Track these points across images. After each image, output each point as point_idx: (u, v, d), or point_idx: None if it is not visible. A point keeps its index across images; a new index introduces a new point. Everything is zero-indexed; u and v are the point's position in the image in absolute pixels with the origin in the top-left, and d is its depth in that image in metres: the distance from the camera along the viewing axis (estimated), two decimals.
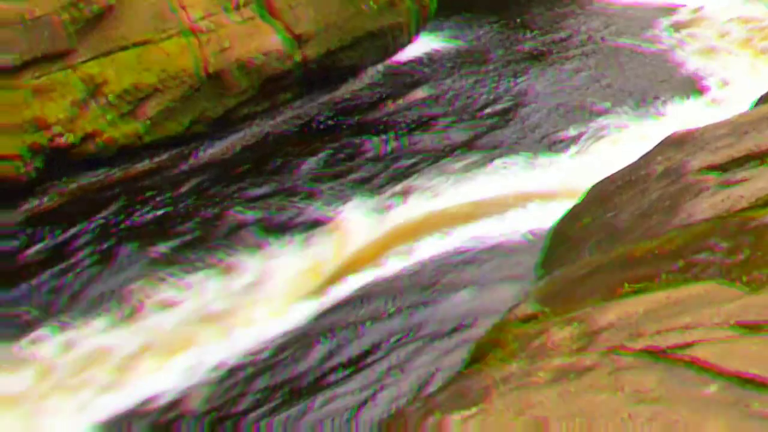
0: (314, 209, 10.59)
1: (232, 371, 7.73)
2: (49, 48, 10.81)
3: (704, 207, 5.47)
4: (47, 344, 8.51)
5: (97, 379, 8.01)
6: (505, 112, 13.33)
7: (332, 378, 7.27)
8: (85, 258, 9.72)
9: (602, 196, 7.02)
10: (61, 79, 10.94)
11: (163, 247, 9.88)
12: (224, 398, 7.41)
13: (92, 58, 11.26)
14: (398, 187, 10.92)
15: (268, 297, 9.05)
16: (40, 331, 8.64)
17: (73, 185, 11.18)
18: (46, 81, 10.81)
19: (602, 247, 5.92)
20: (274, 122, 13.16)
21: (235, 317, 8.73)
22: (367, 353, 7.45)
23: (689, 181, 6.03)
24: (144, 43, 11.71)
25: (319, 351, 7.66)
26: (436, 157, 11.80)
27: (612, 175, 7.34)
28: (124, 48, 11.52)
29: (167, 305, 9.04)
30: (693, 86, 14.27)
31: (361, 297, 8.33)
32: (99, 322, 8.78)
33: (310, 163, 11.82)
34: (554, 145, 12.12)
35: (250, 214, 10.53)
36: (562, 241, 6.95)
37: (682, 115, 12.69)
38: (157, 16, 11.84)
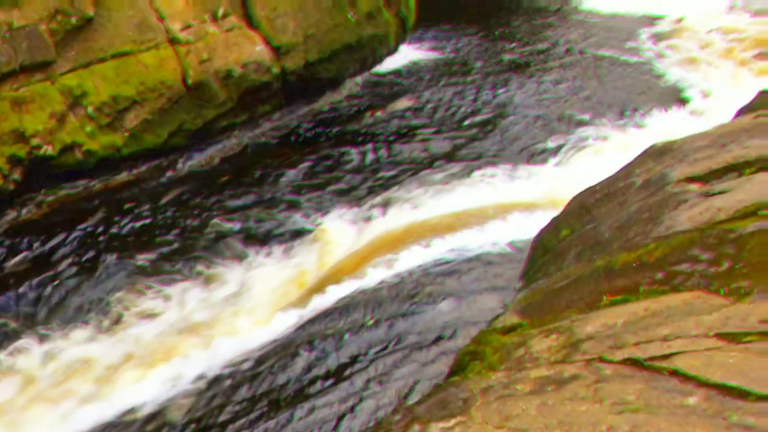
0: (295, 220, 10.61)
1: (214, 382, 7.70)
2: (28, 60, 10.79)
3: (683, 219, 5.48)
4: (28, 355, 8.48)
5: (78, 390, 7.98)
6: (485, 123, 13.37)
7: (313, 389, 7.25)
8: (67, 269, 9.71)
9: (582, 207, 7.02)
10: (40, 90, 10.92)
11: (144, 258, 9.87)
12: (205, 409, 7.38)
13: (71, 70, 11.27)
14: (378, 199, 10.96)
15: (250, 307, 9.04)
16: (21, 342, 8.62)
17: (53, 197, 11.17)
18: (25, 93, 10.78)
19: (583, 258, 5.91)
20: (253, 134, 13.17)
21: (216, 327, 8.72)
22: (348, 364, 7.43)
23: (669, 192, 6.04)
24: (123, 55, 11.70)
25: (301, 361, 7.64)
26: (415, 168, 11.84)
27: (592, 186, 7.34)
28: (102, 60, 11.51)
29: (148, 316, 9.03)
30: (674, 97, 14.32)
31: (343, 307, 8.31)
32: (80, 333, 8.77)
33: (290, 175, 11.83)
34: (534, 156, 12.17)
35: (231, 225, 10.54)
36: (544, 251, 6.95)
37: (662, 126, 12.75)
38: (136, 28, 11.82)
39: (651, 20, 19.69)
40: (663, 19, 19.81)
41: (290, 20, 13.43)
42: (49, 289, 9.40)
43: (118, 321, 8.96)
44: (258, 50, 12.91)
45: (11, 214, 10.79)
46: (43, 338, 8.71)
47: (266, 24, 13.23)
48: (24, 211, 10.88)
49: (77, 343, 8.68)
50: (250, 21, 13.17)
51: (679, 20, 19.53)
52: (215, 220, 10.64)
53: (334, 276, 9.10)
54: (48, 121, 10.90)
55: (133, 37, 11.84)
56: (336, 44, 14.23)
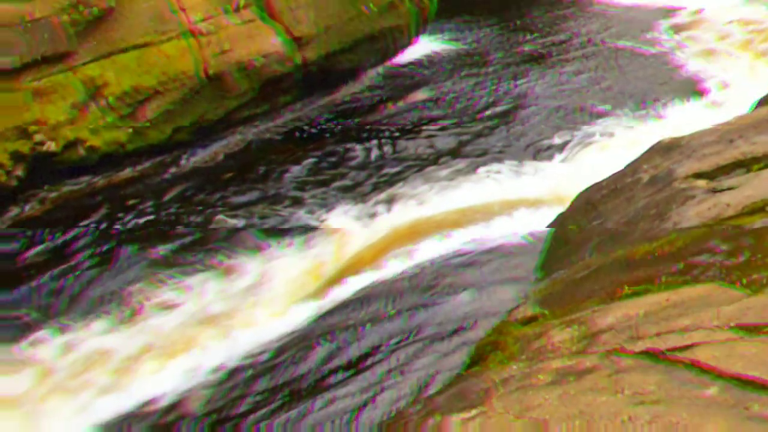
0: (315, 212, 10.60)
1: (233, 373, 7.72)
2: (48, 50, 10.82)
3: (691, 215, 5.47)
4: (47, 346, 8.51)
5: (96, 381, 8.00)
6: (505, 114, 13.34)
7: (332, 380, 7.25)
8: (84, 260, 9.73)
9: (590, 203, 7.01)
10: (61, 81, 10.94)
11: (163, 249, 9.90)
12: (224, 400, 7.40)
13: (92, 60, 11.28)
14: (399, 190, 10.93)
15: (268, 299, 9.04)
16: (40, 333, 8.65)
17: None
18: (46, 83, 10.80)
19: (603, 249, 5.91)
20: (273, 124, 13.17)
21: (235, 319, 8.73)
22: (367, 355, 7.44)
23: (676, 189, 6.03)
24: (144, 45, 11.72)
25: (319, 353, 7.65)
26: (437, 159, 11.82)
27: (600, 182, 7.34)
28: (123, 50, 11.53)
29: (167, 307, 9.05)
30: (692, 88, 14.27)
31: (361, 299, 8.31)
32: (98, 324, 8.79)
33: (310, 165, 11.84)
34: (556, 148, 12.13)
35: (250, 217, 10.54)
36: (562, 243, 6.95)
37: (681, 118, 12.70)
38: (156, 18, 11.83)
39: (669, 12, 19.60)
40: (681, 10, 19.72)
41: (310, 11, 13.43)
42: (66, 281, 9.43)
43: (136, 312, 8.98)
44: (278, 41, 12.91)
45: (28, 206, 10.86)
46: (61, 330, 8.73)
47: (287, 14, 13.22)
48: (27, 206, 10.92)
49: (95, 335, 8.70)
50: (270, 11, 13.16)
51: (698, 12, 19.44)
52: (233, 212, 10.66)
53: (353, 267, 9.11)
54: (69, 111, 10.94)
55: (154, 27, 11.86)
56: (356, 34, 14.22)
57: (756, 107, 8.35)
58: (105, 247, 10.01)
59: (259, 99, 13.01)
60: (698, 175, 6.09)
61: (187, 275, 9.49)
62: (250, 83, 12.68)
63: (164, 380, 7.84)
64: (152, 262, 9.76)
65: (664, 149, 7.03)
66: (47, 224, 10.50)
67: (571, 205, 7.39)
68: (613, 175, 7.30)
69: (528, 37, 17.42)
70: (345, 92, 14.39)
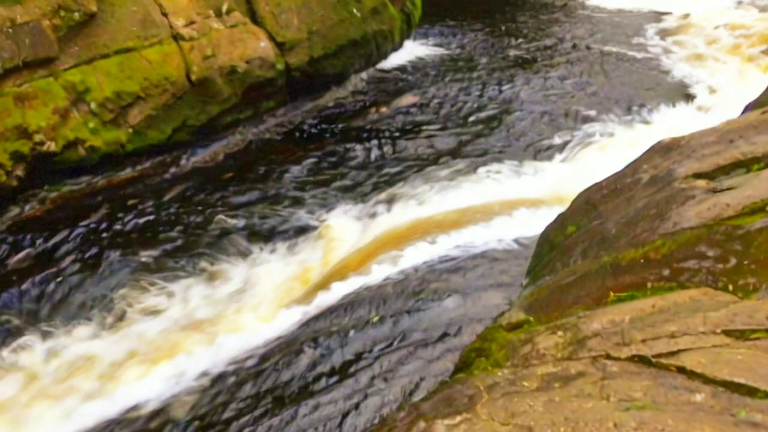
0: (299, 217, 10.61)
1: (218, 379, 7.70)
2: (31, 55, 10.80)
3: (691, 215, 5.46)
4: (31, 352, 8.48)
5: (81, 387, 7.98)
6: (490, 119, 13.35)
7: (318, 386, 7.24)
8: (71, 265, 9.70)
9: (589, 203, 7.00)
10: (42, 86, 10.93)
11: (147, 255, 9.87)
12: (209, 406, 7.37)
13: (74, 66, 11.29)
14: (383, 195, 10.96)
15: (254, 304, 9.03)
16: (24, 339, 8.62)
17: (55, 193, 11.17)
18: (27, 89, 10.79)
19: (590, 255, 5.90)
20: (257, 130, 13.17)
21: (220, 324, 8.71)
22: (353, 361, 7.43)
23: (676, 188, 6.02)
24: (126, 50, 11.73)
25: (305, 358, 7.63)
26: (420, 164, 11.83)
27: (599, 182, 7.33)
28: (106, 56, 11.53)
29: (152, 312, 9.03)
30: (680, 93, 14.32)
31: (348, 304, 8.30)
32: (83, 330, 8.76)
33: (294, 171, 11.85)
34: (540, 152, 12.15)
35: (235, 222, 10.54)
36: (548, 248, 6.93)
37: (669, 123, 12.74)
38: (139, 23, 11.83)
39: (657, 16, 19.68)
40: (669, 15, 19.80)
41: (294, 16, 13.44)
42: (52, 285, 9.40)
43: (121, 318, 8.96)
44: (262, 46, 12.92)
45: (14, 210, 10.80)
46: (45, 335, 8.70)
47: (271, 19, 13.23)
48: (27, 207, 10.89)
49: (80, 340, 8.68)
50: (253, 17, 13.18)
51: (686, 16, 19.52)
52: (219, 217, 10.64)
53: (340, 272, 9.10)
54: (51, 117, 10.91)
55: (137, 33, 11.86)
56: (340, 40, 14.24)
57: (745, 111, 8.35)
58: (95, 251, 9.98)
59: (243, 104, 13.03)
60: (698, 175, 6.08)
61: (172, 280, 9.47)
62: (233, 89, 12.69)
63: (149, 386, 7.81)
64: (139, 266, 9.74)
65: (664, 149, 7.03)
66: (44, 225, 10.47)
67: (571, 205, 7.38)
68: (614, 174, 7.29)
69: (515, 41, 17.48)
70: (329, 98, 14.41)
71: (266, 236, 10.25)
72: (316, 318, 8.23)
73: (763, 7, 19.65)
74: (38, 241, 10.11)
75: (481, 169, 11.54)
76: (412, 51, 16.47)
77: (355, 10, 14.34)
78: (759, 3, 19.97)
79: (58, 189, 11.23)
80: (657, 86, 14.80)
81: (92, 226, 10.50)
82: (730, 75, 15.38)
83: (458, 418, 3.52)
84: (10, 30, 10.60)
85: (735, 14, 19.25)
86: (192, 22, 12.32)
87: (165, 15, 12.18)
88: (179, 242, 10.16)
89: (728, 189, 5.62)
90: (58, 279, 9.48)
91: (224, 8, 12.72)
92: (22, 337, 8.64)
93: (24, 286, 9.35)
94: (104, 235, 10.33)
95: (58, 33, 11.08)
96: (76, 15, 11.20)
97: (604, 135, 12.59)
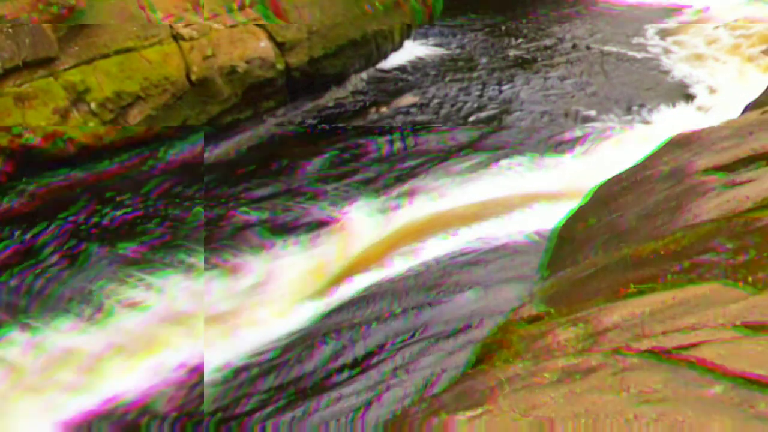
0: (314, 211, 10.62)
1: (238, 371, 7.74)
2: (30, 55, 10.81)
3: (709, 207, 5.46)
4: (13, 345, 8.48)
5: (63, 380, 7.99)
6: (490, 120, 13.34)
7: (337, 378, 7.28)
8: (56, 259, 9.72)
9: (607, 196, 7.01)
10: (42, 86, 10.94)
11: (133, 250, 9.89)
12: (230, 398, 7.41)
13: (74, 66, 11.28)
14: (399, 190, 10.95)
15: (273, 297, 9.05)
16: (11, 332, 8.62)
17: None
18: (27, 89, 10.81)
19: (607, 248, 5.91)
20: (257, 129, 13.18)
21: (240, 318, 8.74)
22: (372, 354, 7.46)
23: (694, 181, 6.03)
24: (126, 50, 11.71)
25: (324, 351, 7.67)
26: (420, 164, 11.84)
27: (617, 175, 7.34)
28: (106, 56, 11.52)
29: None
30: (680, 93, 14.27)
31: (366, 297, 8.34)
32: (65, 323, 8.76)
33: (303, 168, 11.85)
34: (544, 149, 12.13)
35: (255, 215, 10.56)
36: (567, 241, 6.94)
37: (669, 123, 12.70)
38: (139, 23, 11.83)
39: (673, 11, 19.61)
40: (685, 9, 19.73)
41: (305, 12, 13.44)
42: (31, 278, 9.41)
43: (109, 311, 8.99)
44: (262, 46, 12.91)
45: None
46: (25, 327, 8.69)
47: (273, 21, 13.23)
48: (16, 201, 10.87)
49: (65, 333, 8.67)
50: (265, 14, 13.17)
51: (702, 10, 19.45)
52: (233, 212, 10.67)
53: (358, 265, 9.12)
54: (51, 117, 10.94)
55: (137, 33, 11.85)
56: (340, 40, 14.22)
57: (745, 111, 8.35)
58: (76, 244, 10.00)
59: (243, 104, 13.03)
60: (717, 168, 6.09)
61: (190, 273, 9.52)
62: (233, 89, 12.69)
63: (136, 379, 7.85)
64: (120, 260, 9.76)
65: (682, 142, 7.04)
66: (33, 218, 10.47)
67: (589, 198, 7.39)
68: (631, 167, 7.31)
69: (514, 42, 17.45)
70: (329, 98, 14.41)
71: (285, 230, 10.28)
72: (338, 310, 8.28)
73: None
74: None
75: (494, 167, 11.54)
76: (412, 51, 16.47)
77: (377, 3, 14.31)
78: None
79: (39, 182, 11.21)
80: (657, 86, 14.76)
81: (75, 219, 10.53)
82: (731, 75, 15.31)
83: (478, 410, 3.54)
84: (10, 30, 10.61)
85: (748, 9, 19.13)
86: (191, 23, 12.30)
87: (167, 17, 12.17)
88: (199, 235, 10.18)
89: (747, 181, 5.63)
90: (44, 272, 9.49)
91: (233, 5, 12.70)
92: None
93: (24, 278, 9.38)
94: (88, 229, 10.36)
95: (58, 33, 11.09)
96: (54, 7, 11.12)
97: (600, 137, 12.54)
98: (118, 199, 10.94)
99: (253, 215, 10.61)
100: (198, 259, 9.64)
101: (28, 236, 10.08)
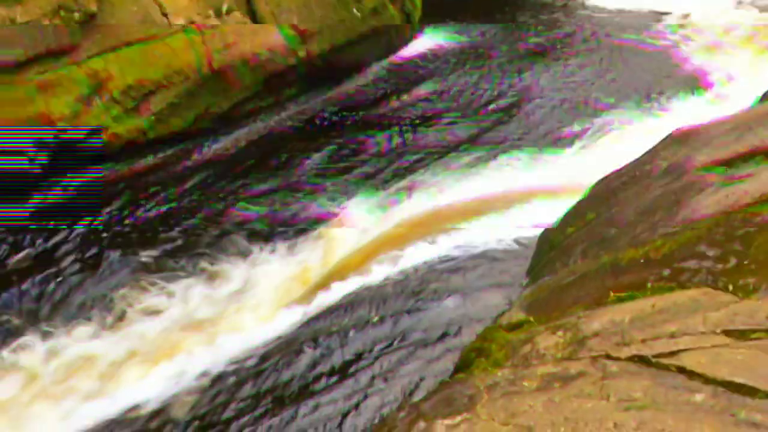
0: (316, 206, 10.59)
1: (218, 379, 7.70)
2: (52, 44, 10.80)
3: (708, 203, 5.46)
4: (31, 352, 8.47)
5: (82, 387, 7.98)
6: (509, 107, 13.35)
7: (318, 386, 7.25)
8: (72, 264, 9.68)
9: (609, 190, 7.01)
10: (65, 74, 10.93)
11: (148, 254, 9.85)
12: (209, 406, 7.37)
13: (96, 54, 11.24)
14: (402, 184, 10.93)
15: (255, 304, 9.02)
16: (25, 339, 8.60)
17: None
18: (50, 77, 10.79)
19: (589, 254, 5.90)
20: (278, 117, 13.16)
21: (221, 324, 8.70)
22: (353, 361, 7.43)
23: (693, 177, 6.03)
24: (148, 39, 11.68)
25: (306, 358, 7.64)
26: (440, 153, 11.81)
27: (616, 171, 7.34)
28: (128, 44, 11.49)
29: (153, 312, 9.02)
30: (695, 83, 14.29)
31: (348, 304, 8.30)
32: (84, 330, 8.75)
33: (314, 159, 11.82)
34: (558, 141, 12.11)
35: (257, 208, 10.53)
36: (550, 248, 6.94)
37: (685, 111, 12.69)
38: (141, 22, 11.82)
39: (657, 16, 19.64)
40: (669, 15, 19.75)
41: (294, 16, 13.43)
42: (51, 285, 9.39)
43: (121, 317, 8.96)
44: (282, 35, 12.93)
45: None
46: (46, 334, 8.69)
47: (270, 20, 13.21)
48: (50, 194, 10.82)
49: (81, 340, 8.67)
50: (254, 17, 13.15)
51: (686, 16, 19.46)
52: (239, 204, 10.64)
53: (340, 272, 9.09)
54: (73, 105, 10.90)
55: (159, 22, 11.85)
56: (359, 28, 14.23)
57: (760, 101, 8.35)
58: (89, 253, 9.96)
59: (264, 92, 13.00)
60: (715, 164, 6.09)
61: (173, 280, 9.46)
62: (255, 77, 12.67)
63: (149, 386, 7.81)
64: (139, 265, 9.72)
65: (681, 138, 7.05)
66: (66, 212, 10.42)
67: (589, 193, 7.39)
68: (632, 162, 7.31)
69: (530, 32, 17.44)
70: (349, 85, 14.38)
71: (269, 232, 10.23)
72: (317, 318, 8.23)
73: (763, 7, 19.58)
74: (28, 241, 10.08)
75: (499, 158, 11.52)
76: (430, 40, 16.33)
77: (355, 10, 14.30)
78: (759, 3, 19.90)
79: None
80: (671, 77, 14.77)
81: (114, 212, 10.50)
82: (744, 66, 15.33)
83: (458, 418, 3.52)
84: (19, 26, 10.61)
85: (735, 14, 19.17)
86: (190, 23, 12.28)
87: (165, 15, 12.15)
88: (180, 242, 10.12)
89: (746, 177, 5.63)
90: (58, 279, 9.47)
91: (224, 8, 12.69)
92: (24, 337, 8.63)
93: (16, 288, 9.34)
94: (127, 221, 10.33)
95: (70, 27, 11.07)
96: (76, 15, 11.17)
97: (622, 123, 12.54)
98: (157, 195, 10.92)
99: (232, 219, 10.56)
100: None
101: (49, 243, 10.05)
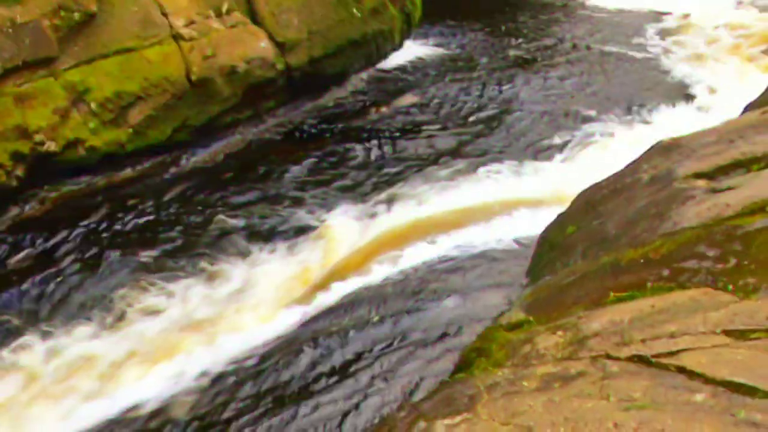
0: (300, 216, 10.57)
1: (218, 379, 7.69)
2: (30, 55, 10.76)
3: (691, 215, 5.46)
4: (31, 352, 8.46)
5: (81, 387, 7.97)
6: (491, 119, 13.32)
7: (318, 386, 7.24)
8: (71, 265, 9.67)
9: (589, 203, 7.01)
10: (42, 86, 10.89)
11: (148, 255, 9.84)
12: (209, 406, 7.37)
13: (74, 66, 11.22)
14: (383, 195, 10.91)
15: (254, 304, 9.02)
16: (24, 339, 8.60)
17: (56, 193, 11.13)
18: (27, 89, 10.75)
19: (589, 255, 5.90)
20: (257, 130, 13.13)
21: (220, 324, 8.69)
22: (353, 361, 7.43)
23: (676, 188, 6.03)
24: (126, 51, 11.67)
25: (305, 358, 7.63)
26: (421, 164, 11.79)
27: (599, 182, 7.33)
28: (105, 56, 11.47)
29: (152, 312, 9.01)
30: (680, 93, 14.29)
31: (348, 304, 8.30)
32: (84, 330, 8.74)
33: (294, 171, 11.80)
34: (540, 152, 12.12)
35: (235, 222, 10.50)
36: (550, 248, 6.94)
37: (669, 122, 12.70)
38: (140, 23, 11.80)
39: (657, 16, 19.65)
40: (669, 14, 19.76)
41: (294, 16, 13.42)
42: (52, 285, 9.38)
43: (121, 318, 8.94)
44: (262, 46, 12.88)
45: (14, 211, 10.76)
46: (45, 335, 8.68)
47: (270, 20, 13.21)
48: (27, 207, 10.85)
49: (80, 340, 8.67)
50: (253, 17, 13.14)
51: (686, 16, 19.48)
52: (219, 216, 10.60)
53: (340, 272, 9.09)
54: (51, 117, 10.88)
55: (137, 32, 11.81)
56: (340, 40, 14.21)
57: (745, 111, 8.35)
58: (95, 251, 9.95)
59: (243, 104, 12.97)
60: (698, 175, 6.09)
61: (172, 280, 9.45)
62: (234, 89, 12.64)
63: (149, 386, 7.81)
64: (138, 266, 9.71)
65: (664, 149, 7.04)
66: (44, 225, 10.42)
67: (571, 206, 7.38)
68: (613, 175, 7.30)
69: (514, 42, 17.43)
70: (330, 98, 14.37)
71: (266, 236, 10.22)
72: (316, 318, 8.24)
73: (763, 7, 19.60)
74: (38, 241, 10.07)
75: (481, 169, 11.50)
76: (412, 51, 16.38)
77: (355, 10, 14.30)
78: (759, 3, 19.94)
79: (58, 189, 11.17)
80: (657, 86, 14.76)
81: (92, 226, 10.47)
82: (731, 75, 15.33)
83: (458, 418, 3.52)
84: (11, 30, 10.56)
85: (735, 14, 19.21)
86: (192, 23, 12.27)
87: (165, 15, 12.14)
88: (179, 242, 10.10)
89: (728, 189, 5.63)
90: (59, 279, 9.45)
91: (224, 8, 12.68)
92: (22, 337, 8.62)
93: (25, 286, 9.34)
94: (104, 234, 10.30)
95: (58, 33, 11.04)
96: (76, 15, 11.16)
97: (604, 135, 12.56)
98: (139, 206, 10.89)
99: (233, 222, 10.55)
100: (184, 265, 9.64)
101: (48, 243, 10.03)
